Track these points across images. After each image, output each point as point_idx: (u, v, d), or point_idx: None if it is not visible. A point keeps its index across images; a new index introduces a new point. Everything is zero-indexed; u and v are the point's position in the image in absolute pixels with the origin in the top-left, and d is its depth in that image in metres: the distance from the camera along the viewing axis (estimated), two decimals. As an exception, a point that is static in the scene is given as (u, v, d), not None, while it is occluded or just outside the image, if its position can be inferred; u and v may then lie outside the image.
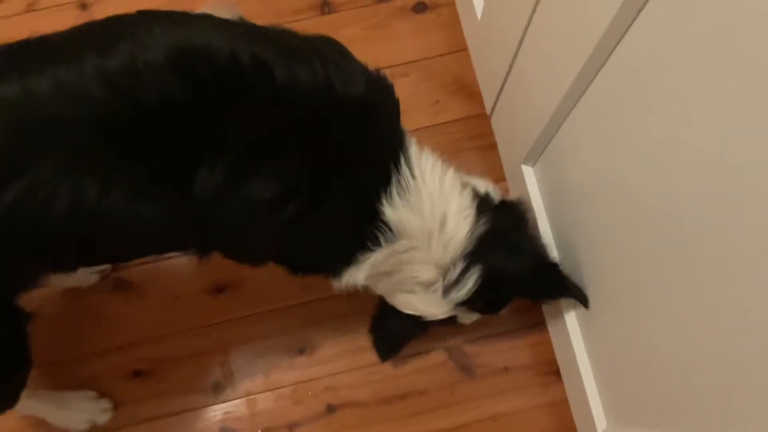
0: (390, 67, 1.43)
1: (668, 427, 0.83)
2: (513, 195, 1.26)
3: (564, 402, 1.24)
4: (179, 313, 1.31)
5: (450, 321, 1.07)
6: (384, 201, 0.89)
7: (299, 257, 1.00)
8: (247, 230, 0.88)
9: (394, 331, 1.12)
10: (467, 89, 1.42)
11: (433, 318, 1.04)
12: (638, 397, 0.93)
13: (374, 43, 1.45)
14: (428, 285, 0.98)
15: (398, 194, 0.89)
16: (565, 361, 1.19)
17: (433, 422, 1.26)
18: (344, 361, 1.29)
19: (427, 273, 0.97)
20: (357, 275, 0.97)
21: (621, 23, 0.71)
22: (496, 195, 1.02)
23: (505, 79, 1.13)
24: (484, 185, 1.01)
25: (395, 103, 0.93)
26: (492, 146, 1.36)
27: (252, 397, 1.27)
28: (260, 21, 1.44)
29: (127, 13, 0.84)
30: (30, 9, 1.47)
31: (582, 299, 1.04)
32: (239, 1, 1.47)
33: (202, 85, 0.77)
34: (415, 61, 1.45)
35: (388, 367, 1.29)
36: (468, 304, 1.00)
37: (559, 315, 1.14)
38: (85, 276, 1.30)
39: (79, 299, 1.30)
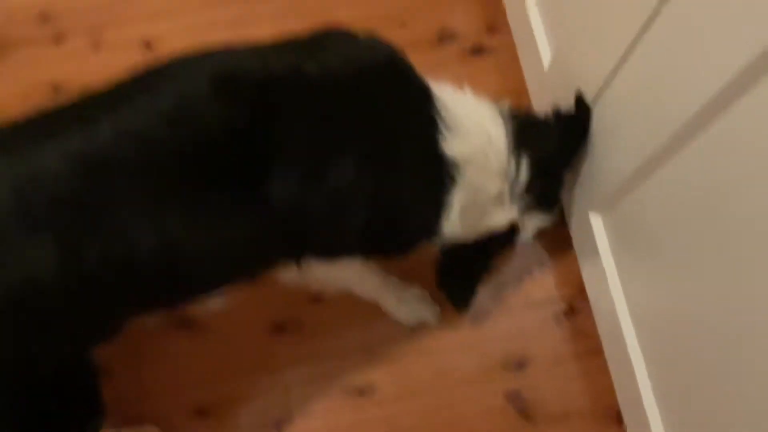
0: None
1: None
2: (576, 247, 1.28)
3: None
4: (241, 351, 1.32)
5: (512, 234, 1.10)
6: (441, 142, 0.95)
7: (394, 230, 1.01)
8: (337, 220, 0.92)
9: (464, 272, 1.14)
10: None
11: (504, 224, 1.06)
12: None
13: (432, 86, 1.47)
14: (498, 196, 1.03)
15: (448, 132, 0.95)
16: (629, 408, 1.18)
17: (491, 468, 1.27)
18: (404, 403, 1.30)
19: (495, 185, 1.02)
20: (452, 221, 1.00)
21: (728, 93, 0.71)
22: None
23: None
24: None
25: (406, 59, 0.99)
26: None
27: (312, 438, 1.28)
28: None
29: (154, 64, 0.89)
30: (95, 48, 1.50)
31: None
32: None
33: (249, 102, 0.82)
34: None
35: (448, 411, 1.29)
36: (529, 196, 1.05)
37: (624, 359, 1.14)
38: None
39: (144, 337, 1.32)
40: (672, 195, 0.91)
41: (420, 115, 0.95)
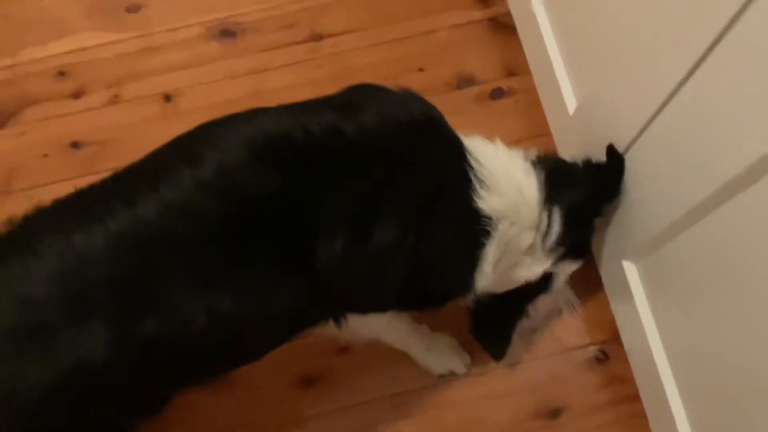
0: (470, 153, 1.44)
1: None
2: (609, 293, 1.26)
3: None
4: (268, 406, 1.30)
5: (545, 283, 1.10)
6: (475, 198, 0.94)
7: (431, 286, 1.01)
8: (379, 279, 0.92)
9: (499, 323, 1.13)
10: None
11: (537, 276, 1.06)
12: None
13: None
14: (530, 249, 1.03)
15: (481, 186, 0.94)
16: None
17: None
18: (438, 453, 1.27)
19: (528, 238, 1.01)
20: (485, 275, 0.99)
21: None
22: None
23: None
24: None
25: (438, 111, 0.99)
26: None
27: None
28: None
29: (192, 129, 0.91)
30: (114, 102, 1.50)
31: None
32: (319, 87, 1.49)
33: (290, 167, 0.82)
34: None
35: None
36: (561, 247, 1.04)
37: (663, 406, 1.11)
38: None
39: (170, 394, 1.30)
40: (712, 246, 0.89)
41: (454, 171, 0.95)
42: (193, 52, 1.53)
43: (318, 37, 1.53)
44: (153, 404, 0.90)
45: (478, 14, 1.54)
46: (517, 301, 1.12)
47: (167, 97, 1.49)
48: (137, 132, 1.47)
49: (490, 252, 0.98)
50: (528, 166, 1.02)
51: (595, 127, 1.12)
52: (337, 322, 1.00)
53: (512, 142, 1.43)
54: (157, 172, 0.81)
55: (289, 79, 1.50)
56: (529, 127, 1.45)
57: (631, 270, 1.13)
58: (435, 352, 1.28)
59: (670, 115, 0.89)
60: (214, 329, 0.78)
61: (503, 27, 1.52)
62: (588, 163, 1.08)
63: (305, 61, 1.52)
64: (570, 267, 1.13)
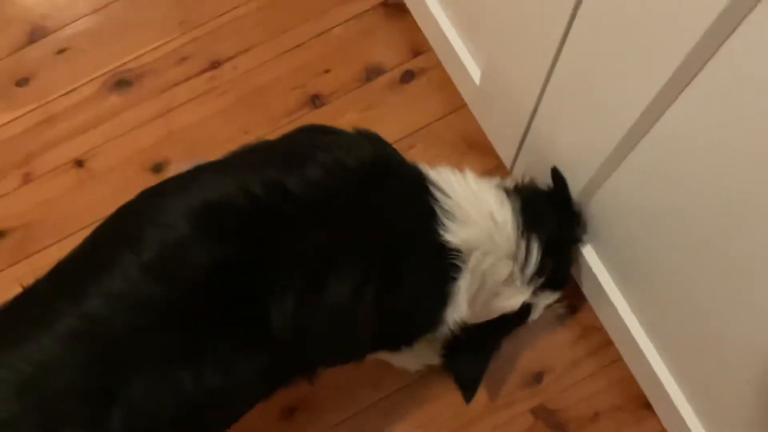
0: (395, 142, 1.42)
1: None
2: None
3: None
4: (257, 446, 1.28)
5: (523, 314, 1.07)
6: (441, 231, 0.91)
7: (400, 329, 1.00)
8: (341, 334, 0.90)
9: (472, 356, 1.10)
10: (478, 145, 1.41)
11: (516, 308, 1.03)
12: (743, 416, 0.91)
13: (373, 124, 1.41)
14: (509, 279, 1.00)
15: (447, 218, 0.92)
16: (653, 392, 1.17)
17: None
18: (434, 448, 1.27)
19: (505, 268, 0.99)
20: (459, 309, 0.96)
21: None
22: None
23: (524, 137, 1.12)
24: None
25: (391, 146, 0.97)
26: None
27: (353, 508, 1.25)
28: (257, 132, 1.46)
29: (130, 201, 0.88)
30: (26, 180, 1.45)
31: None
32: (232, 114, 1.46)
33: (234, 235, 0.79)
34: (417, 131, 1.44)
35: (479, 445, 1.26)
36: (540, 277, 1.03)
37: (634, 347, 1.12)
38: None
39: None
40: (640, 182, 0.89)
41: (416, 207, 0.92)
42: (94, 111, 1.47)
43: (215, 64, 1.48)
44: None
45: (369, 2, 1.51)
46: (492, 332, 1.09)
47: (79, 163, 1.44)
48: (58, 206, 1.42)
49: (463, 285, 0.95)
50: (501, 194, 1.00)
51: (503, 92, 1.11)
52: (309, 378, 0.97)
53: (435, 121, 1.45)
54: (98, 260, 0.78)
55: (197, 113, 1.46)
56: (446, 103, 1.44)
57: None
58: (406, 351, 1.26)
59: (563, 67, 0.88)
60: (184, 410, 0.77)
61: (396, 9, 1.49)
62: (551, 190, 1.06)
63: (209, 92, 1.47)
64: (549, 298, 1.11)
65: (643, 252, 0.97)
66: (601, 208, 1.02)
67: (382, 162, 0.91)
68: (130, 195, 1.35)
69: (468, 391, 1.11)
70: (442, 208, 0.92)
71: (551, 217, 1.03)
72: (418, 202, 0.92)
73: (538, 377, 1.27)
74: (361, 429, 1.28)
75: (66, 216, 1.40)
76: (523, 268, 1.00)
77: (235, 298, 0.78)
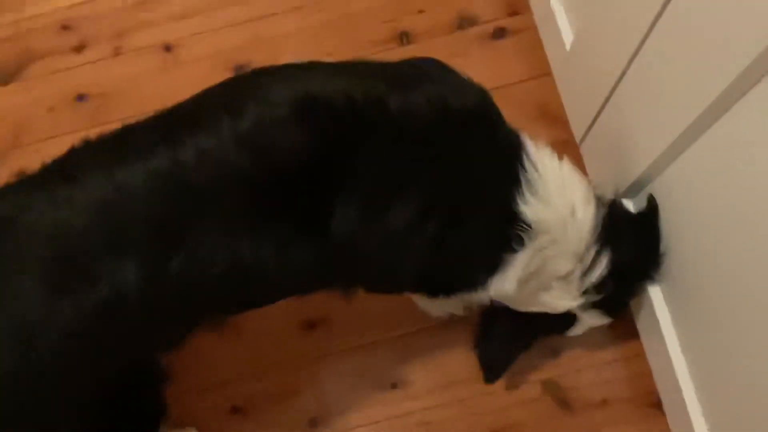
0: (471, 93, 1.42)
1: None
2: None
3: (665, 436, 1.21)
4: (273, 349, 1.33)
5: (565, 323, 1.07)
6: (519, 201, 0.91)
7: (444, 276, 1.00)
8: (390, 259, 0.91)
9: (503, 345, 1.10)
10: (550, 115, 1.40)
11: (560, 310, 1.02)
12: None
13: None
14: (566, 277, 0.99)
15: (530, 192, 0.91)
16: (667, 392, 1.16)
17: (534, 459, 1.25)
18: (437, 396, 1.29)
19: (567, 264, 0.97)
20: (506, 281, 0.96)
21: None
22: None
23: (600, 111, 1.11)
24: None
25: (498, 109, 0.96)
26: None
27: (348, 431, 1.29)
28: (341, 55, 1.47)
29: (243, 74, 0.91)
30: (116, 53, 1.51)
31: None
32: (320, 34, 1.48)
33: (326, 132, 0.81)
34: (495, 89, 1.39)
35: (481, 402, 1.27)
36: (597, 293, 1.01)
37: (660, 343, 1.11)
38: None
39: (177, 338, 1.33)
40: (705, 170, 0.88)
41: (502, 168, 0.92)
42: (192, 1, 1.52)
43: (316, -18, 1.51)
44: (173, 340, 0.93)
45: (478, -48, 1.50)
46: (529, 329, 1.08)
47: (167, 48, 1.50)
48: (140, 84, 1.48)
49: (520, 260, 0.94)
50: (591, 195, 0.99)
51: (590, 62, 1.10)
52: (347, 292, 1.00)
53: (515, 83, 1.44)
54: (200, 117, 0.82)
55: (288, 25, 1.49)
56: (531, 67, 1.43)
57: (629, 207, 1.12)
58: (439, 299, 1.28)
59: (651, 45, 0.87)
60: (234, 274, 0.81)
61: (503, -36, 1.48)
62: (640, 217, 1.04)
63: (305, 7, 1.50)
64: (597, 320, 1.09)
65: (690, 260, 0.96)
66: (665, 189, 1.01)
67: (484, 114, 0.92)
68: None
69: (489, 374, 1.12)
70: (527, 180, 0.91)
71: (632, 242, 1.01)
72: (506, 164, 0.92)
73: (555, 351, 1.28)
74: (372, 358, 1.31)
75: (145, 95, 1.46)
76: (584, 274, 0.98)
77: (309, 189, 0.81)
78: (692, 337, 1.03)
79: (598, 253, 0.97)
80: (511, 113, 1.41)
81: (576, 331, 1.10)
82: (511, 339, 1.09)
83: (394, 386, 1.30)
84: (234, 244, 0.79)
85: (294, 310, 1.34)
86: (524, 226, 0.92)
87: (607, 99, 1.06)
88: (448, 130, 0.86)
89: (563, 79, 1.28)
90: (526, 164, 0.92)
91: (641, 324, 1.20)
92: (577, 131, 1.26)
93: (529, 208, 0.91)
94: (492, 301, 1.03)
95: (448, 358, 1.30)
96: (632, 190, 1.09)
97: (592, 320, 1.08)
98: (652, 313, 1.10)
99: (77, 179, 0.76)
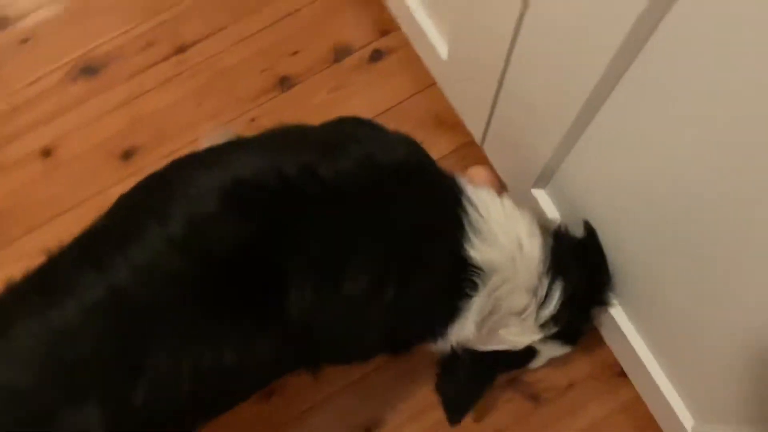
0: (365, 122, 1.42)
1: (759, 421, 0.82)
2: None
3: (635, 400, 1.23)
4: (236, 427, 1.28)
5: (526, 357, 1.06)
6: (466, 246, 0.90)
7: (404, 334, 0.98)
8: (353, 332, 0.89)
9: (465, 385, 1.08)
10: (447, 122, 1.41)
11: (520, 346, 1.01)
12: (719, 390, 0.92)
13: (343, 104, 1.44)
14: (522, 312, 0.98)
15: (474, 235, 0.91)
16: (627, 361, 1.18)
17: (518, 459, 1.25)
18: (413, 426, 1.27)
19: (522, 300, 0.97)
20: (464, 327, 0.95)
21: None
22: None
23: (492, 110, 1.12)
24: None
25: (428, 155, 0.95)
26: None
27: (334, 490, 1.25)
28: (226, 116, 1.44)
29: (159, 170, 0.86)
30: (-7, 171, 1.43)
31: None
32: (198, 98, 1.44)
33: (261, 214, 0.78)
34: (387, 110, 1.44)
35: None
36: (555, 325, 1.00)
37: (607, 315, 1.13)
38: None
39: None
40: (602, 149, 0.90)
41: (444, 216, 0.91)
42: (60, 100, 1.45)
43: (182, 49, 1.47)
44: None
45: (335, -18, 1.50)
46: (490, 367, 1.07)
47: (46, 153, 1.43)
48: (25, 196, 1.41)
49: (476, 305, 0.93)
50: (535, 228, 0.99)
51: (470, 66, 1.11)
52: (313, 371, 0.96)
53: (404, 100, 1.44)
54: (125, 231, 0.78)
55: (165, 98, 1.44)
56: (415, 81, 1.44)
57: (542, 197, 1.14)
58: None
59: (524, 38, 0.88)
60: (200, 386, 0.77)
61: (362, -12, 1.49)
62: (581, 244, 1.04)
63: (175, 77, 1.46)
64: (557, 351, 1.09)
65: (617, 224, 0.98)
66: (563, 183, 1.03)
67: (415, 165, 0.91)
68: (99, 183, 1.38)
69: (454, 416, 1.10)
70: (471, 223, 0.91)
71: (580, 269, 1.01)
72: (448, 211, 0.91)
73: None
74: (338, 408, 1.28)
75: (34, 206, 1.39)
76: (539, 308, 0.98)
77: (258, 279, 0.78)
78: (641, 305, 1.05)
79: (550, 285, 0.97)
80: (410, 129, 1.40)
81: (537, 363, 1.10)
82: (473, 379, 1.07)
83: (367, 430, 1.27)
84: (195, 356, 0.75)
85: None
86: (475, 270, 0.91)
87: (496, 98, 1.07)
88: (383, 188, 0.85)
89: (449, 87, 1.29)
90: (467, 207, 0.91)
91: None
92: (476, 132, 1.27)
93: (477, 251, 0.90)
94: (452, 347, 1.02)
95: (413, 386, 1.29)
96: (541, 180, 1.10)
97: (552, 351, 1.08)
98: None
99: (6, 334, 0.71)
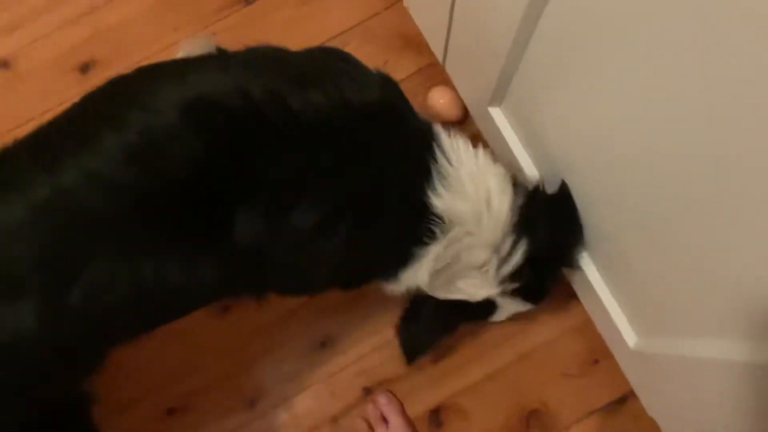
0: (329, 39, 1.39)
1: (698, 333, 0.84)
2: (487, 137, 1.24)
3: (587, 321, 1.25)
4: (194, 344, 1.30)
5: (486, 310, 1.05)
6: (430, 194, 0.88)
7: (356, 273, 0.98)
8: (301, 265, 0.88)
9: (424, 330, 1.09)
10: (413, 42, 1.38)
11: (478, 299, 1.01)
12: (660, 310, 0.93)
13: (308, 20, 1.41)
14: (482, 267, 0.97)
15: (441, 184, 0.88)
16: (578, 283, 1.19)
17: (468, 376, 1.28)
18: (367, 343, 1.30)
19: (482, 255, 0.95)
20: (418, 274, 0.94)
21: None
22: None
23: (450, 25, 1.09)
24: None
25: (405, 98, 0.92)
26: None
27: (289, 401, 1.28)
28: (187, 30, 1.41)
29: (126, 74, 0.83)
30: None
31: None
32: (160, 12, 1.41)
33: (220, 135, 0.76)
34: (352, 27, 1.40)
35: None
36: (515, 282, 0.99)
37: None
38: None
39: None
40: (548, 67, 0.88)
41: (411, 161, 0.89)
42: (19, 10, 1.42)
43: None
44: (87, 368, 0.90)
45: None
46: (451, 315, 1.06)
47: (5, 64, 1.40)
48: (-16, 108, 1.39)
49: (432, 253, 0.92)
50: (507, 184, 0.96)
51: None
52: (258, 298, 0.97)
53: (370, 18, 1.41)
54: (80, 134, 0.76)
55: (124, 11, 1.41)
56: (382, -3, 1.40)
57: (497, 115, 1.12)
58: None
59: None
60: (138, 298, 0.77)
61: None
62: (552, 201, 1.01)
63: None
64: (518, 306, 1.07)
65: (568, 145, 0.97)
66: (515, 100, 1.01)
67: (388, 108, 0.88)
68: (59, 96, 1.36)
69: (409, 357, 1.11)
70: (439, 171, 0.88)
71: (551, 230, 0.99)
72: (416, 157, 0.89)
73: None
74: (294, 325, 1.30)
75: (-8, 117, 1.37)
76: (500, 265, 0.97)
77: (208, 199, 0.77)
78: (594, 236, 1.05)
79: (514, 243, 0.96)
80: (374, 48, 1.41)
81: (498, 317, 1.09)
82: (432, 325, 1.07)
83: (323, 345, 1.30)
84: (134, 268, 0.75)
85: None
86: (435, 218, 0.89)
87: (452, 10, 1.05)
88: (352, 126, 0.83)
89: (412, 3, 1.26)
90: (438, 155, 0.89)
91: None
92: (437, 51, 1.25)
93: (441, 200, 0.89)
94: (407, 291, 1.02)
95: (367, 306, 1.30)
96: (496, 98, 1.09)
97: (513, 307, 1.07)
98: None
99: None
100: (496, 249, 0.95)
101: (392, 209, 0.88)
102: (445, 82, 1.32)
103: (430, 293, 1.00)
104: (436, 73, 1.35)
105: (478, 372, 1.28)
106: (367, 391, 1.28)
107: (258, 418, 1.27)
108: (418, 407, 1.27)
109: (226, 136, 0.76)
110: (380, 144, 0.86)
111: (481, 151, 0.96)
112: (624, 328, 1.05)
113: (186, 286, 0.80)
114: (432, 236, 0.91)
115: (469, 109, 1.26)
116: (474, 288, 0.99)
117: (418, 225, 0.90)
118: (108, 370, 1.26)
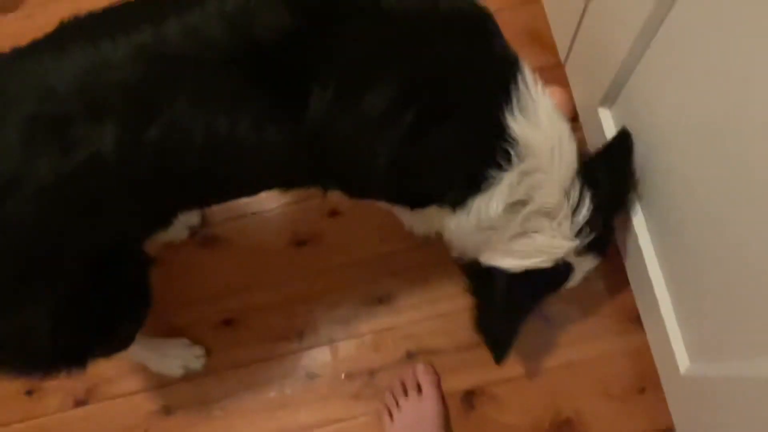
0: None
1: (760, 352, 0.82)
2: (589, 139, 1.25)
3: (642, 349, 1.24)
4: (264, 265, 1.37)
5: (562, 275, 1.02)
6: (508, 115, 0.86)
7: (418, 182, 0.95)
8: (362, 148, 0.88)
9: (503, 312, 1.04)
10: (540, 40, 1.41)
11: (559, 254, 0.97)
12: (721, 330, 0.92)
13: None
14: (555, 214, 0.94)
15: (520, 110, 0.86)
16: (644, 302, 1.18)
17: (511, 368, 1.28)
18: (422, 311, 1.33)
19: (554, 196, 0.93)
20: (491, 203, 0.90)
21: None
22: None
23: (579, 25, 1.12)
24: None
25: (497, 24, 0.91)
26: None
27: (334, 344, 1.33)
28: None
29: None
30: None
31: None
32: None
33: (311, 12, 0.81)
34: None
35: (465, 316, 1.29)
36: (589, 231, 0.96)
37: (639, 258, 1.13)
38: (178, 232, 1.38)
39: (172, 254, 1.38)
40: (664, 73, 0.89)
41: (493, 80, 0.87)
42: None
43: None
44: (158, 216, 0.95)
45: None
46: (528, 292, 1.02)
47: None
48: None
49: (507, 181, 0.89)
50: (573, 138, 0.94)
51: None
52: (325, 189, 1.00)
53: (505, 9, 1.45)
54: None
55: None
56: (520, -8, 1.44)
57: (605, 116, 1.14)
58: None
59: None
60: (211, 148, 0.83)
61: None
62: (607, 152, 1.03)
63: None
64: (590, 263, 1.03)
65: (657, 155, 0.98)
66: (627, 104, 1.03)
67: (478, 20, 0.88)
68: None
69: (499, 353, 1.08)
70: (519, 98, 0.86)
71: (610, 177, 0.99)
72: (499, 76, 0.88)
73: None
74: (360, 275, 1.35)
75: None
76: (573, 212, 0.94)
77: (288, 68, 0.82)
78: (669, 251, 1.05)
79: (581, 190, 0.94)
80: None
81: (574, 280, 1.05)
82: (510, 304, 1.03)
83: (380, 301, 1.34)
84: (211, 118, 0.81)
85: (285, 227, 1.38)
86: (512, 141, 0.87)
87: (584, 10, 1.08)
88: (436, 27, 0.84)
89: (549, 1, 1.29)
90: (520, 83, 0.87)
91: (620, 241, 1.23)
92: (562, 51, 1.28)
93: (519, 125, 0.86)
94: (483, 266, 0.99)
95: (433, 275, 1.33)
96: (608, 99, 1.10)
97: (586, 265, 1.03)
98: (631, 230, 1.13)
99: (64, 49, 0.79)
100: (567, 193, 0.93)
101: (467, 115, 0.87)
102: (560, 83, 1.34)
103: (507, 258, 0.98)
104: (556, 75, 1.37)
105: (521, 367, 1.28)
106: (410, 355, 1.31)
107: (301, 351, 1.33)
108: (455, 384, 1.29)
109: (315, 14, 0.81)
110: (463, 50, 0.86)
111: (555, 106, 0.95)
112: (678, 350, 1.04)
113: (255, 148, 0.84)
114: (507, 159, 0.88)
115: (579, 110, 1.27)
116: (553, 241, 0.96)
117: (492, 143, 0.87)
118: (177, 267, 1.37)
